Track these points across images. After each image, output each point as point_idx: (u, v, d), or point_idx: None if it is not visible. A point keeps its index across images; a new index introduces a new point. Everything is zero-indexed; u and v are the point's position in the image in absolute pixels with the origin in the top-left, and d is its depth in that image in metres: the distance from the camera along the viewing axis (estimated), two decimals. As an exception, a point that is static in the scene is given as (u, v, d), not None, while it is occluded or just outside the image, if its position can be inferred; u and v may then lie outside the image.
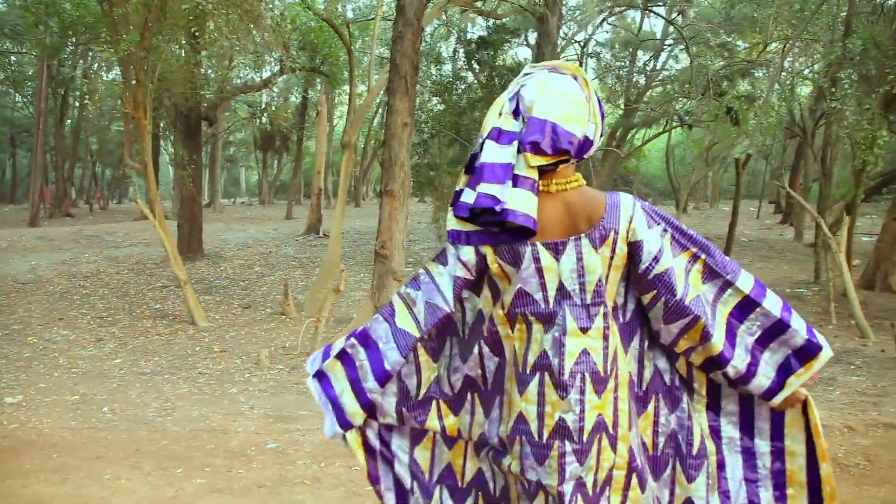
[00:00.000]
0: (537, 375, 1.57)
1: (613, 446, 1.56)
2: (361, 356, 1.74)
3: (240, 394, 5.45)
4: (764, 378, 1.59)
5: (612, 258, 1.56)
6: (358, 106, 9.15)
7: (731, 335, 1.59)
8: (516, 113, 1.56)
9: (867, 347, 7.25)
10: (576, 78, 1.61)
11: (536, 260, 1.57)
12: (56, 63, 19.60)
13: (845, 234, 7.59)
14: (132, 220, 21.70)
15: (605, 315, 1.57)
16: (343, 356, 1.76)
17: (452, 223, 1.62)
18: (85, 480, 3.88)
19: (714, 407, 1.68)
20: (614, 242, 1.55)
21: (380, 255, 7.25)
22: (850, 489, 3.83)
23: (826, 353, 1.58)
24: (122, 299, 9.52)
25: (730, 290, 1.59)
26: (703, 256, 1.60)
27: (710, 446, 1.66)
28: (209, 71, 11.10)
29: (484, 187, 1.51)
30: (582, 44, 12.99)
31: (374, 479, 1.82)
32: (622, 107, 17.18)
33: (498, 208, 1.49)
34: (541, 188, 1.55)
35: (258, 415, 4.92)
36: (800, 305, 9.25)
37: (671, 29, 16.67)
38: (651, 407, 1.65)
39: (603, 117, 1.66)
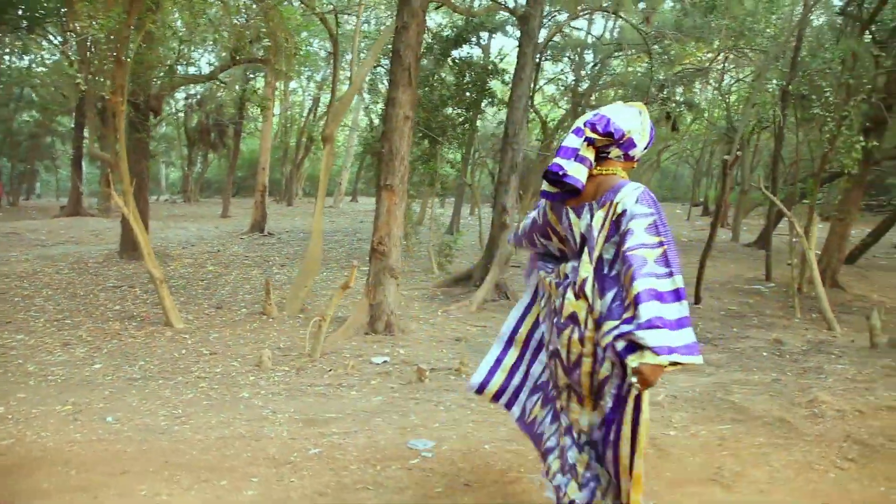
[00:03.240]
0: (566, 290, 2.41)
1: (581, 339, 2.31)
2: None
3: (252, 398, 5.08)
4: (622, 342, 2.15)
5: (604, 220, 2.26)
6: (339, 98, 8.83)
7: (646, 299, 2.05)
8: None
9: (837, 339, 7.72)
10: (640, 112, 2.44)
11: (568, 217, 2.44)
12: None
13: (814, 233, 8.06)
14: (51, 217, 20.07)
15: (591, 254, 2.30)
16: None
17: (544, 186, 2.47)
18: (119, 499, 3.48)
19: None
20: (608, 208, 2.25)
21: (377, 252, 6.99)
22: (889, 466, 4.00)
23: (662, 359, 2.00)
24: (73, 301, 8.73)
25: (672, 279, 2.09)
26: (666, 247, 2.13)
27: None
28: (167, 56, 10.38)
29: (556, 160, 2.36)
30: (543, 46, 13.14)
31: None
32: (566, 109, 17.57)
33: (561, 172, 2.33)
34: (593, 172, 2.37)
35: (285, 419, 4.60)
36: (762, 301, 9.75)
37: (615, 34, 17.21)
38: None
39: (652, 137, 2.44)
